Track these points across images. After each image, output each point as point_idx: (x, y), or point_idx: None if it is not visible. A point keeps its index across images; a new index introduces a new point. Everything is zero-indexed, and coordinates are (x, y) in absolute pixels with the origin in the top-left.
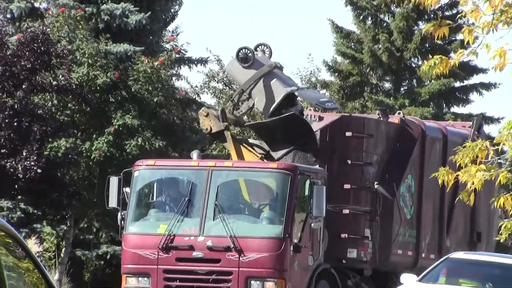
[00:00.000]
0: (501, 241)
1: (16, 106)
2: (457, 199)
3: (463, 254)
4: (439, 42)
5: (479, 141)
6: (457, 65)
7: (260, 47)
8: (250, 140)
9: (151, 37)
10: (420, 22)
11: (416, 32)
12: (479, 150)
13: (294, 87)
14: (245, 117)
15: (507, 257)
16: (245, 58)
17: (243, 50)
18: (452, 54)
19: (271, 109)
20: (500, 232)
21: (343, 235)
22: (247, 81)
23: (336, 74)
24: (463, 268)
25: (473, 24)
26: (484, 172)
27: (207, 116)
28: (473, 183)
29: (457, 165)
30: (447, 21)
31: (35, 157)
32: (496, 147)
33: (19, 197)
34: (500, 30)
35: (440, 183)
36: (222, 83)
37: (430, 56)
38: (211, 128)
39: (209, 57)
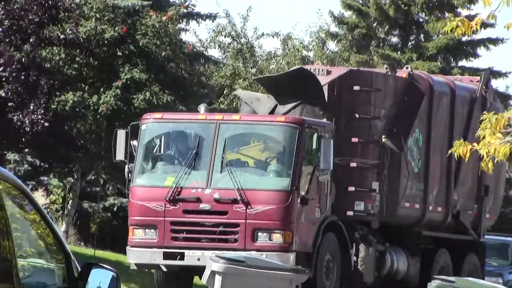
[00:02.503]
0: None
1: (23, 60)
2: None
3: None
4: None
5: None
6: (478, 28)
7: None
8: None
9: None
10: None
11: None
12: (495, 121)
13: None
14: (253, 71)
15: None
16: None
17: None
18: (460, 10)
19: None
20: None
21: (350, 188)
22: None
23: (342, 25)
24: None
25: None
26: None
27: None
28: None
29: (480, 137)
30: None
31: (42, 111)
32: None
33: (26, 150)
34: None
35: (456, 156)
36: (230, 37)
37: (437, 12)
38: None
39: (218, 13)
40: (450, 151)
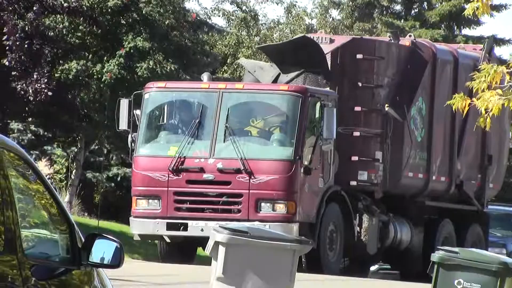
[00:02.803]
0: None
1: (27, 28)
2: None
3: None
4: None
5: (495, 65)
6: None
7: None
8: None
9: None
10: None
11: None
12: (494, 72)
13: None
14: (256, 39)
15: None
16: None
17: None
18: None
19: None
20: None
21: (353, 158)
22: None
23: None
24: None
25: None
26: (499, 96)
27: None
28: (490, 109)
29: (474, 90)
30: None
31: (45, 80)
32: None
33: (30, 119)
34: None
35: (454, 109)
36: (234, 3)
37: None
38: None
39: None
40: (448, 102)
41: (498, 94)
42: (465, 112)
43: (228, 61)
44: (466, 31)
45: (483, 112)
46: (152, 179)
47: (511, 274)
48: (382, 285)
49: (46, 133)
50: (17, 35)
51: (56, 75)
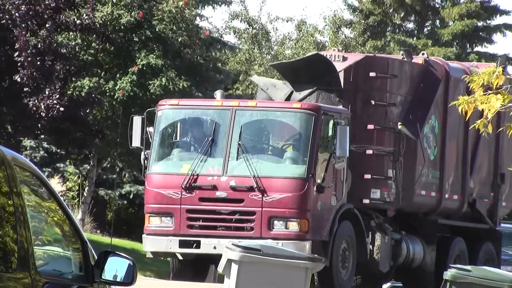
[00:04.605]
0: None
1: (39, 45)
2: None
3: None
4: None
5: (497, 68)
6: None
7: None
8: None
9: None
10: None
11: None
12: (495, 77)
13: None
14: (268, 57)
15: None
16: None
17: None
18: None
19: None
20: None
21: (366, 176)
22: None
23: (356, 12)
24: None
25: None
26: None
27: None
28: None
29: (469, 88)
30: None
31: (57, 96)
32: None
33: (42, 136)
34: None
35: (460, 111)
36: (245, 22)
37: None
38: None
39: None
40: (452, 103)
41: (499, 99)
42: (469, 115)
43: (240, 78)
44: (478, 49)
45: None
46: (165, 196)
47: None
48: None
49: (58, 150)
50: (29, 51)
51: (68, 92)
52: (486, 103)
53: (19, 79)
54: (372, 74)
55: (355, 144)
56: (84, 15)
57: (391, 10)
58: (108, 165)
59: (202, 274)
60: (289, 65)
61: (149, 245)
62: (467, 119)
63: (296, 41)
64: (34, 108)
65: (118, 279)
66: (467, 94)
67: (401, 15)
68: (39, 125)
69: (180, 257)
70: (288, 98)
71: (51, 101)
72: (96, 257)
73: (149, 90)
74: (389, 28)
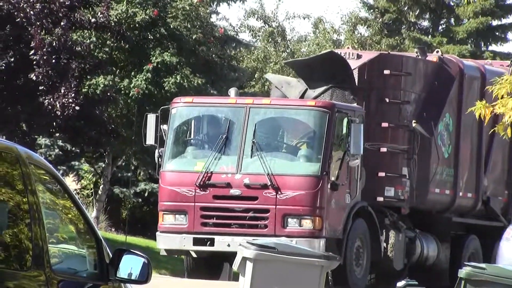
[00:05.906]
0: None
1: (54, 44)
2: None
3: None
4: None
5: None
6: None
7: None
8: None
9: None
10: None
11: None
12: None
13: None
14: (284, 55)
15: None
16: None
17: None
18: None
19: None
20: None
21: (380, 174)
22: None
23: (372, 10)
24: None
25: None
26: None
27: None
28: (510, 116)
29: (493, 96)
30: None
31: (73, 94)
32: None
33: (57, 134)
34: None
35: (477, 116)
36: (261, 20)
37: None
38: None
39: None
40: (470, 109)
41: None
42: (487, 119)
43: (255, 76)
44: (493, 47)
45: (505, 119)
46: (179, 194)
47: None
48: None
49: (73, 148)
50: (44, 49)
51: (83, 90)
52: (504, 106)
53: (34, 78)
54: (386, 71)
55: (369, 142)
56: (99, 13)
57: (406, 8)
58: (123, 163)
59: (216, 272)
60: (303, 63)
61: (163, 242)
62: (486, 123)
63: (313, 40)
64: (50, 107)
65: (133, 277)
66: (481, 94)
67: (416, 13)
68: (54, 123)
69: (194, 255)
70: (302, 96)
71: (66, 99)
72: (110, 255)
73: (163, 88)
74: (404, 26)
